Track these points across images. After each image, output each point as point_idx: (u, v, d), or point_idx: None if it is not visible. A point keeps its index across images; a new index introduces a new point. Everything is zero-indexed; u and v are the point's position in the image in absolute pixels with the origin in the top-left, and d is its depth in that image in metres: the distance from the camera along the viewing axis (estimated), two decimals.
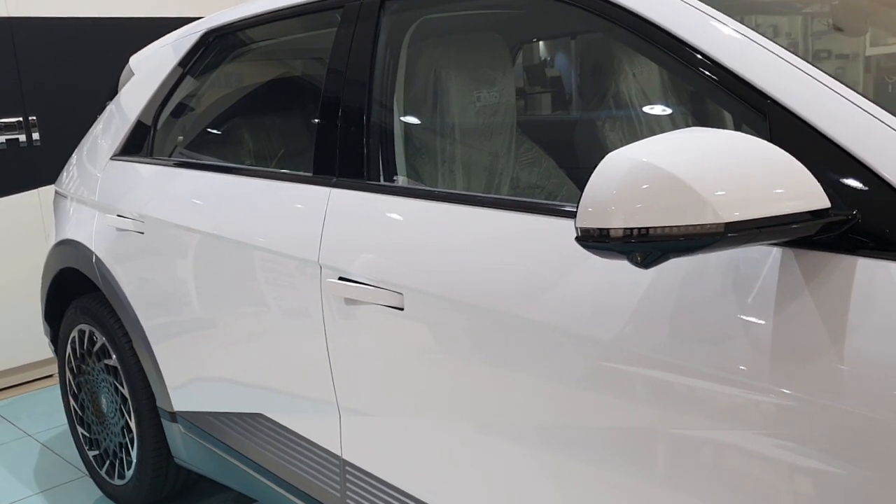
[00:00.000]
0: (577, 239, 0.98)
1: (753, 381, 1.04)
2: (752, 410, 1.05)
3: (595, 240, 0.96)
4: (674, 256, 0.96)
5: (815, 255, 1.01)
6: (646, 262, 0.96)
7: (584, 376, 1.24)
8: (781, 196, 0.95)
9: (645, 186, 0.93)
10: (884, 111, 1.03)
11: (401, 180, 1.72)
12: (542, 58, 3.30)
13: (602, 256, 1.00)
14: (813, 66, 1.10)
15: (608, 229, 0.94)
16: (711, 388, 1.08)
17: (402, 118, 1.83)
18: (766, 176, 0.95)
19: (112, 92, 2.78)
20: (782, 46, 1.14)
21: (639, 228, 0.93)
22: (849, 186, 1.00)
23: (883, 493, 0.95)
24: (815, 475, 1.01)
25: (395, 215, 1.60)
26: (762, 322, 1.04)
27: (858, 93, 1.06)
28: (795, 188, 0.95)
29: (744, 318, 1.06)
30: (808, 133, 1.05)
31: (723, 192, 0.92)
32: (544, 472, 1.34)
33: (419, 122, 1.99)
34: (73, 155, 2.87)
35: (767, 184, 0.95)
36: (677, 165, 0.93)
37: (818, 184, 0.97)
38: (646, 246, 0.94)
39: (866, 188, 0.99)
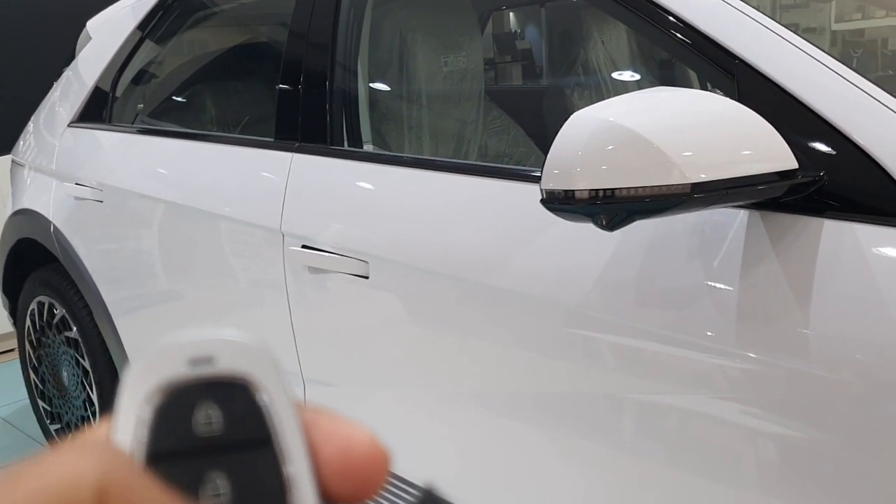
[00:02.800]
0: (543, 201, 0.96)
1: (719, 345, 1.03)
2: (718, 375, 1.05)
3: (560, 202, 0.94)
4: (639, 218, 0.94)
5: (782, 217, 0.99)
6: (611, 224, 0.94)
7: (550, 343, 1.23)
8: (749, 157, 0.93)
9: (610, 147, 0.91)
10: (853, 72, 1.01)
11: (366, 146, 1.69)
12: (511, 25, 3.26)
13: (567, 219, 0.98)
14: (782, 26, 1.08)
15: (573, 191, 0.92)
16: (677, 353, 1.07)
17: (366, 82, 1.79)
18: (733, 136, 0.93)
19: (69, 57, 2.70)
20: (750, 5, 1.12)
21: (604, 190, 0.91)
22: (816, 148, 0.99)
23: (845, 455, 0.95)
24: (780, 438, 1.00)
25: (359, 181, 1.57)
26: (728, 286, 1.03)
27: (827, 53, 1.04)
28: (763, 149, 0.94)
29: (710, 282, 1.04)
30: (776, 94, 1.03)
31: (690, 153, 0.90)
32: (510, 439, 1.33)
33: (384, 86, 1.95)
34: (30, 122, 2.79)
35: (735, 144, 0.93)
36: (644, 125, 0.91)
37: (786, 145, 0.95)
38: (611, 208, 0.92)
39: (834, 150, 0.98)
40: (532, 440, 1.29)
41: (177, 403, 0.24)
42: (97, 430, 0.24)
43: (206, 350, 0.25)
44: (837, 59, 1.03)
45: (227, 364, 0.25)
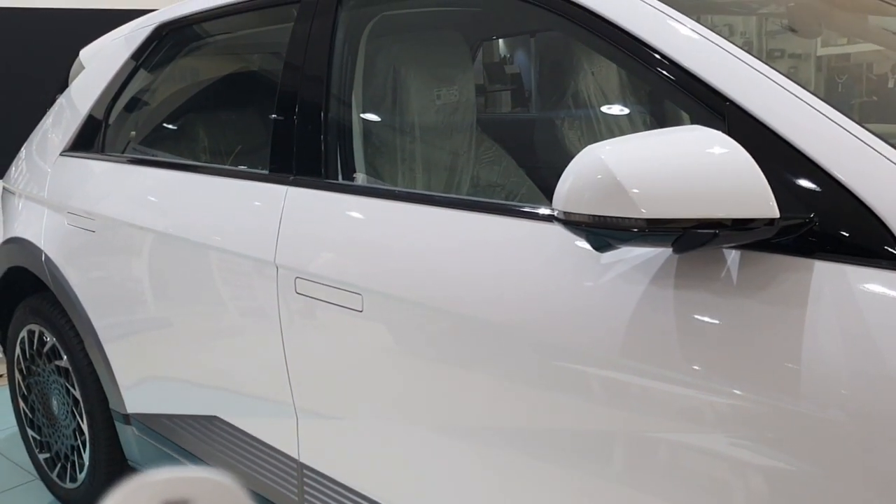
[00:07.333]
0: (553, 217, 1.05)
1: (708, 382, 1.04)
2: (707, 411, 1.06)
3: (558, 220, 1.03)
4: (618, 245, 1.02)
5: (773, 258, 1.01)
6: (596, 245, 1.04)
7: (541, 378, 1.23)
8: (741, 201, 0.95)
9: (596, 178, 0.97)
10: (841, 115, 1.03)
11: (360, 179, 1.70)
12: (502, 56, 3.29)
13: (574, 234, 1.05)
14: (771, 67, 1.11)
15: (565, 212, 1.01)
16: (667, 390, 1.09)
17: (360, 116, 1.80)
18: (725, 180, 0.95)
19: (62, 85, 2.71)
20: (740, 47, 1.15)
21: (581, 214, 0.98)
22: (806, 189, 1.01)
23: (832, 490, 0.96)
24: (768, 473, 1.01)
25: (353, 214, 1.58)
26: (718, 322, 1.04)
27: (816, 96, 1.06)
28: (743, 197, 0.95)
29: (700, 318, 1.06)
30: (766, 136, 1.05)
31: (649, 191, 0.94)
32: (502, 474, 1.33)
33: (378, 119, 1.97)
34: (23, 149, 2.80)
35: (726, 188, 0.95)
36: (620, 165, 0.96)
37: (770, 194, 0.95)
38: (590, 230, 1.00)
39: (824, 191, 1.00)
40: (525, 474, 1.29)
41: None
42: None
43: (181, 491, 0.24)
44: (826, 102, 1.05)
45: None
